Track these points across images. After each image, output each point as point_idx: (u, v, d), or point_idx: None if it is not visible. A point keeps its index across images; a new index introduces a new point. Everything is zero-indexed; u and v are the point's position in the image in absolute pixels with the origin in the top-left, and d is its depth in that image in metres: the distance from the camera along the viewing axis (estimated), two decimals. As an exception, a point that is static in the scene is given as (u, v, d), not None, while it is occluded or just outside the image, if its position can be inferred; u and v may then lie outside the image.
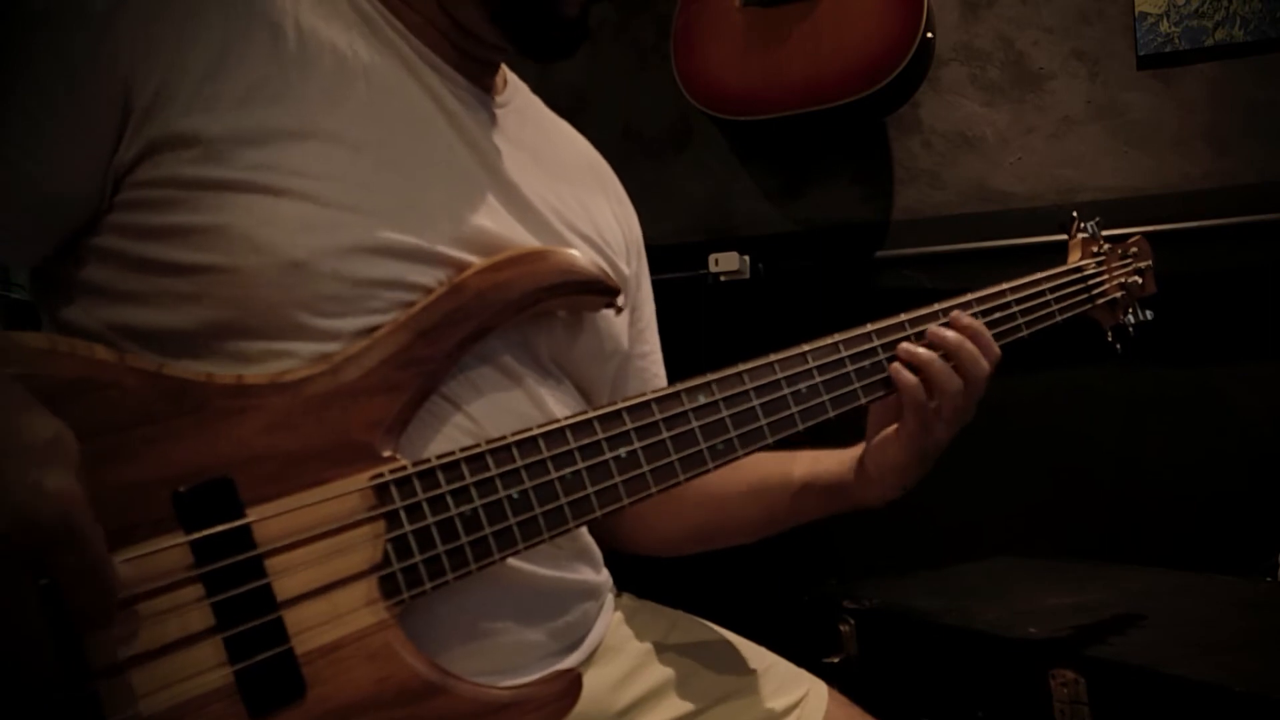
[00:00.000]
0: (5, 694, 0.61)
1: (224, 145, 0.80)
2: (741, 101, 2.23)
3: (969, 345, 1.04)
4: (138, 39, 0.80)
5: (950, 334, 1.05)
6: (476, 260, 0.90)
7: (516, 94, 1.08)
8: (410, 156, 0.90)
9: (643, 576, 1.26)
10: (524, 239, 0.95)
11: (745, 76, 2.22)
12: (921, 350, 1.03)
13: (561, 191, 1.04)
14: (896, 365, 1.03)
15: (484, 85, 1.01)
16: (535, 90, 1.14)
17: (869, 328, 1.05)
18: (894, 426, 1.05)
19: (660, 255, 2.38)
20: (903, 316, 1.07)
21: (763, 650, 1.19)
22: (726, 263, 2.37)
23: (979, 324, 1.07)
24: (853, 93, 2.10)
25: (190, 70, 0.80)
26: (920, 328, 1.07)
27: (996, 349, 1.07)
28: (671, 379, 1.20)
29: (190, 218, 0.79)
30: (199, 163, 0.79)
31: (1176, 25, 2.14)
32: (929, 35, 2.12)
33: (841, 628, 1.63)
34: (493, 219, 0.93)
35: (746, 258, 2.38)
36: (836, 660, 1.62)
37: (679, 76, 2.27)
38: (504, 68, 1.07)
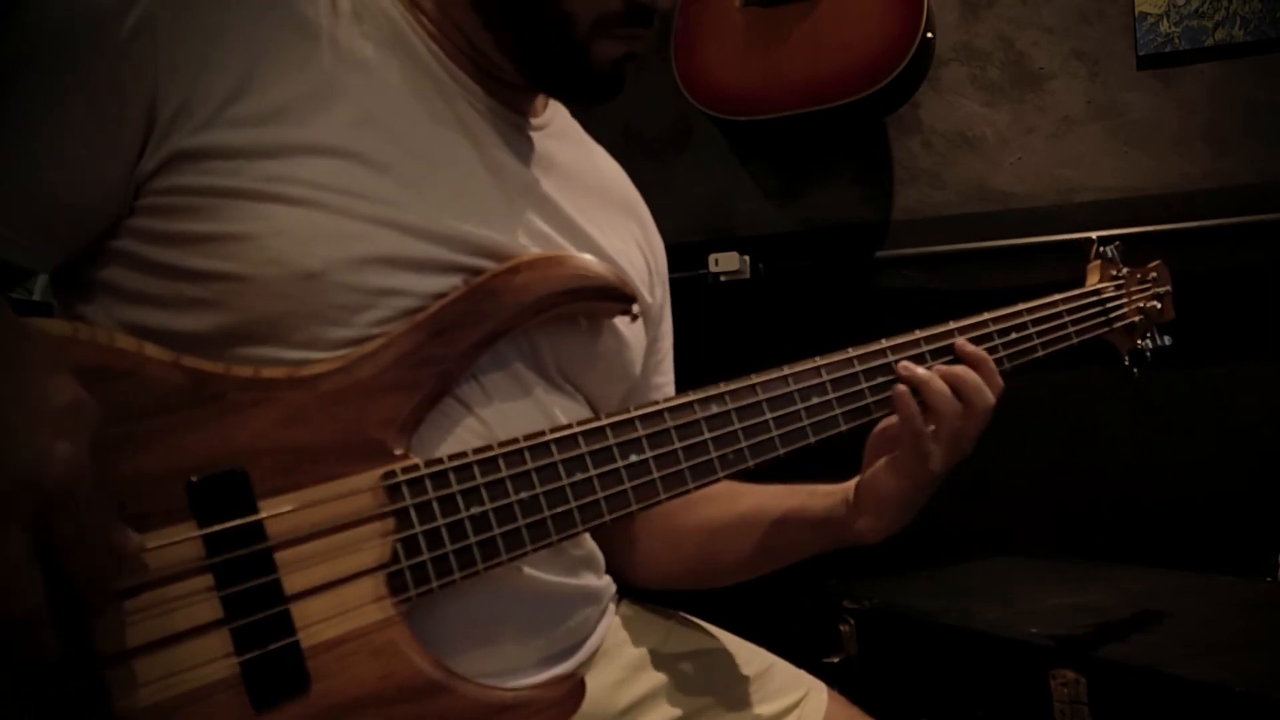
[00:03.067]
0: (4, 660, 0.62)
1: (243, 158, 0.80)
2: (741, 101, 2.22)
3: (972, 376, 1.03)
4: (164, 58, 0.79)
5: (955, 368, 1.03)
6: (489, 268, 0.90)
7: (556, 116, 1.07)
8: (431, 177, 0.89)
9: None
10: None
11: (745, 76, 2.22)
12: (920, 370, 1.02)
13: (587, 218, 1.03)
14: (900, 387, 1.02)
15: (518, 108, 1.00)
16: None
17: (884, 343, 1.05)
18: (891, 455, 1.03)
19: (661, 255, 2.39)
20: (918, 334, 1.06)
21: (762, 651, 1.19)
22: (726, 263, 2.37)
23: (983, 352, 1.06)
24: (853, 93, 2.10)
25: (215, 88, 0.80)
26: (935, 345, 1.06)
27: (1000, 380, 1.06)
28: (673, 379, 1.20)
29: (207, 225, 0.79)
30: (217, 173, 0.79)
31: (1176, 25, 2.14)
32: (929, 35, 2.12)
33: (841, 628, 1.63)
34: (510, 239, 0.93)
35: (746, 258, 2.38)
36: (836, 660, 1.62)
37: (679, 76, 2.27)
38: None
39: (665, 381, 1.21)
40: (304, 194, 0.81)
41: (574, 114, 1.13)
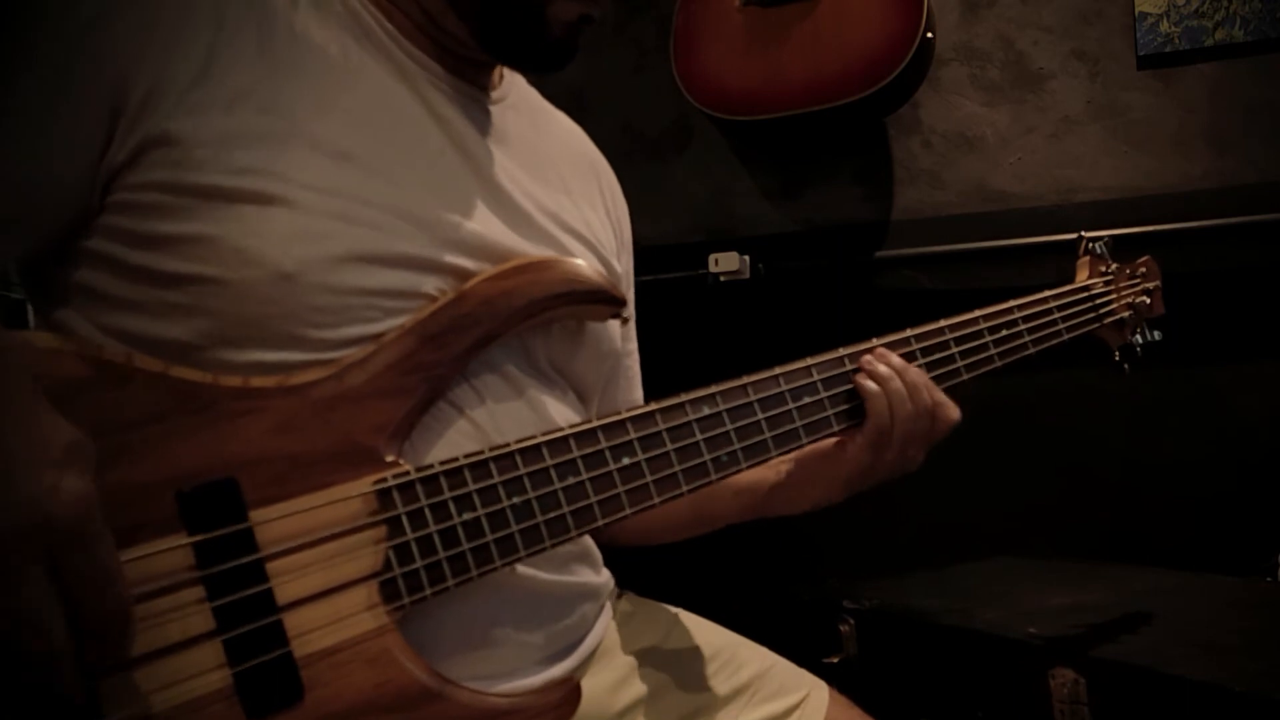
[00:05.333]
0: (15, 691, 0.61)
1: (212, 147, 0.80)
2: (741, 101, 2.22)
3: (913, 372, 1.04)
4: (127, 43, 0.80)
5: (897, 360, 1.04)
6: (470, 265, 0.91)
7: (513, 88, 1.07)
8: (399, 163, 0.89)
9: (644, 576, 1.27)
10: (515, 242, 0.95)
11: (745, 76, 2.22)
12: (881, 367, 1.03)
13: (553, 189, 1.04)
14: (862, 376, 1.03)
15: (477, 84, 1.01)
16: (535, 89, 1.14)
17: (875, 342, 1.06)
18: (839, 441, 1.05)
19: (660, 255, 2.40)
20: (909, 332, 1.08)
21: (764, 650, 1.19)
22: (726, 263, 2.37)
23: (925, 376, 1.06)
24: (853, 93, 2.10)
25: (178, 74, 0.80)
26: (926, 343, 1.07)
27: (953, 414, 1.06)
28: (671, 379, 1.20)
29: (179, 227, 0.79)
30: (187, 167, 0.79)
31: (1176, 25, 2.14)
32: (929, 35, 2.12)
33: (841, 628, 1.63)
34: (483, 223, 0.93)
35: (746, 258, 2.38)
36: (836, 660, 1.62)
37: (679, 76, 2.27)
38: None
39: (633, 348, 1.22)
40: (275, 189, 0.81)
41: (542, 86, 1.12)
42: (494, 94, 1.03)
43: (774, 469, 1.09)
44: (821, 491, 1.07)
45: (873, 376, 1.02)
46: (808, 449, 1.06)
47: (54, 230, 0.82)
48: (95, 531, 0.61)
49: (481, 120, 0.99)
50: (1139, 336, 1.37)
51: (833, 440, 1.05)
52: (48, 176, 0.79)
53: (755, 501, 1.11)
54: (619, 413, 0.90)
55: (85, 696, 0.63)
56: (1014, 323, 1.16)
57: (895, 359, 1.04)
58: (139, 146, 0.79)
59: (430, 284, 0.88)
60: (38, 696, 0.61)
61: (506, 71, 1.08)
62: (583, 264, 0.97)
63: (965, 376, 1.09)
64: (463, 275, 0.90)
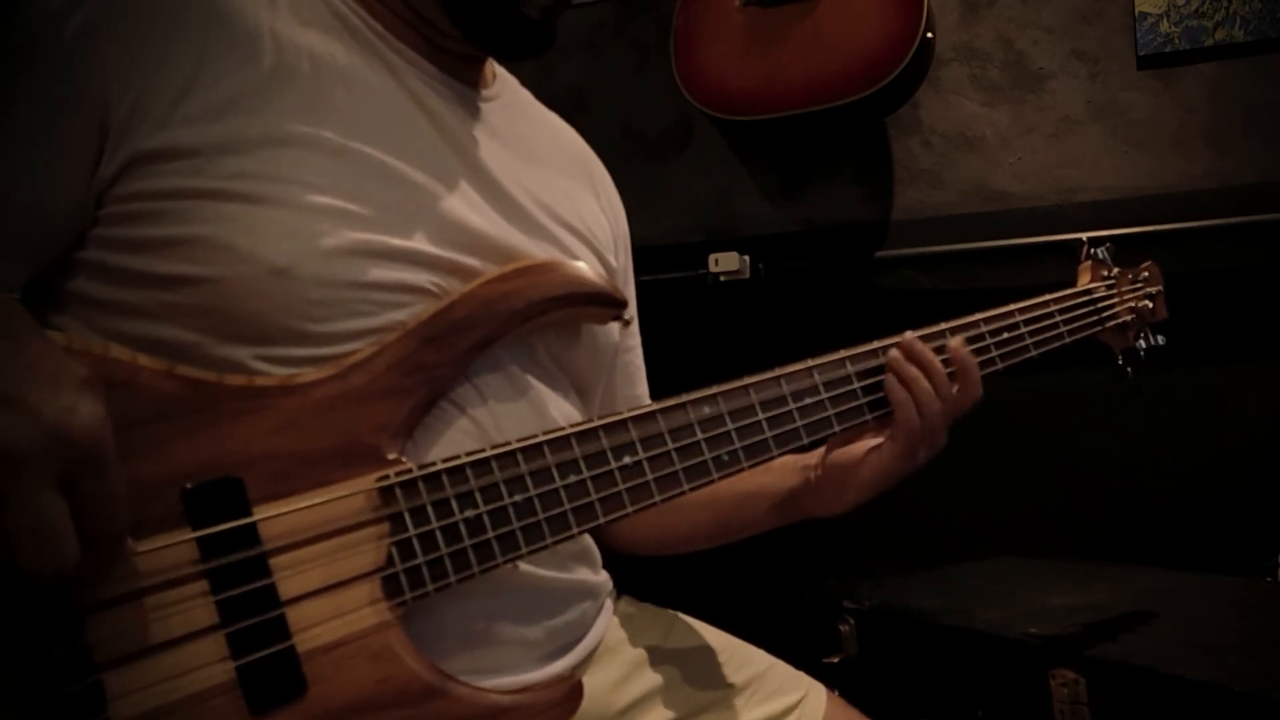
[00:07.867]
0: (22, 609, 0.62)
1: (202, 156, 0.80)
2: (741, 101, 2.22)
3: (938, 369, 1.04)
4: (111, 61, 0.80)
5: (925, 355, 1.05)
6: (464, 259, 0.91)
7: (505, 88, 1.08)
8: (392, 159, 0.90)
9: (642, 579, 1.27)
10: (509, 235, 0.96)
11: (745, 76, 2.22)
12: (911, 368, 1.03)
13: (548, 185, 1.04)
14: (891, 379, 1.04)
15: (467, 80, 1.01)
16: (535, 89, 1.14)
17: (875, 345, 1.06)
18: (869, 444, 1.05)
19: (660, 255, 2.40)
20: (909, 334, 1.07)
21: (761, 653, 1.20)
22: (726, 263, 2.37)
23: (970, 358, 1.07)
24: (853, 93, 2.10)
25: (165, 88, 0.81)
26: (928, 344, 1.06)
27: (980, 390, 1.07)
28: (671, 378, 1.20)
29: (172, 229, 0.80)
30: (178, 174, 0.80)
31: (1176, 25, 2.14)
32: (929, 35, 2.12)
33: (841, 628, 1.63)
34: (478, 216, 0.94)
35: (746, 258, 2.38)
36: (836, 660, 1.62)
37: (679, 76, 2.27)
38: (491, 61, 1.07)
39: (635, 344, 1.22)
40: (266, 190, 0.81)
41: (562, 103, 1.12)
42: (486, 92, 1.04)
43: (808, 475, 1.09)
44: (857, 493, 1.06)
45: (902, 379, 1.03)
46: (841, 454, 1.06)
47: (54, 256, 0.82)
48: (108, 454, 0.62)
49: (474, 116, 1.00)
50: (1142, 341, 1.37)
51: (865, 445, 1.05)
52: (46, 210, 0.80)
53: (794, 510, 1.11)
54: (620, 412, 0.90)
55: (67, 615, 0.64)
56: (1015, 325, 1.16)
57: (923, 353, 1.04)
58: (127, 162, 0.80)
59: (425, 278, 0.88)
60: (32, 608, 0.62)
61: (499, 71, 1.09)
62: (584, 266, 0.97)
63: None
64: (458, 269, 0.90)
